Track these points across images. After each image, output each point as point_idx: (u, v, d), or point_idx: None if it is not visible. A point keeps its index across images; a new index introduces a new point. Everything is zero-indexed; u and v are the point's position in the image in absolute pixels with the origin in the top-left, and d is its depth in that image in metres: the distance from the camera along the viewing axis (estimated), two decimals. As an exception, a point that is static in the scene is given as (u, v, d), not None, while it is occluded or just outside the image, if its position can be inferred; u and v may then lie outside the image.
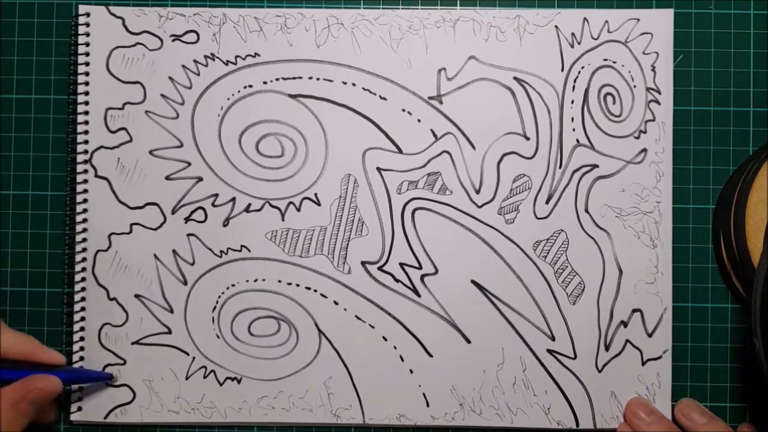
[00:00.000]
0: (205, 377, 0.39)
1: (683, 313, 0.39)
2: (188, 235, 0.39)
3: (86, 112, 0.39)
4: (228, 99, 0.39)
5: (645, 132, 0.39)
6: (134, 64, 0.39)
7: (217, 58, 0.39)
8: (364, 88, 0.39)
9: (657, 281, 0.39)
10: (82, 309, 0.39)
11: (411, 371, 0.39)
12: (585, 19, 0.39)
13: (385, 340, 0.39)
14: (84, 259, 0.39)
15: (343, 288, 0.39)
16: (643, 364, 0.39)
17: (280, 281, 0.39)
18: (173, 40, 0.39)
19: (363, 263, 0.39)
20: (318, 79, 0.39)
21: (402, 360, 0.39)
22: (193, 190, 0.39)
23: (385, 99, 0.39)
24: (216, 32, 0.39)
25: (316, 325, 0.39)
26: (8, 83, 0.40)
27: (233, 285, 0.39)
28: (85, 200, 0.39)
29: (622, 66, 0.39)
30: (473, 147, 0.39)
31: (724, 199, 0.39)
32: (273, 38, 0.39)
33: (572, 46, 0.39)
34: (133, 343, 0.39)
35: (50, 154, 0.40)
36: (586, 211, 0.39)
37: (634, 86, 0.39)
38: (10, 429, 0.34)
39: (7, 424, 0.33)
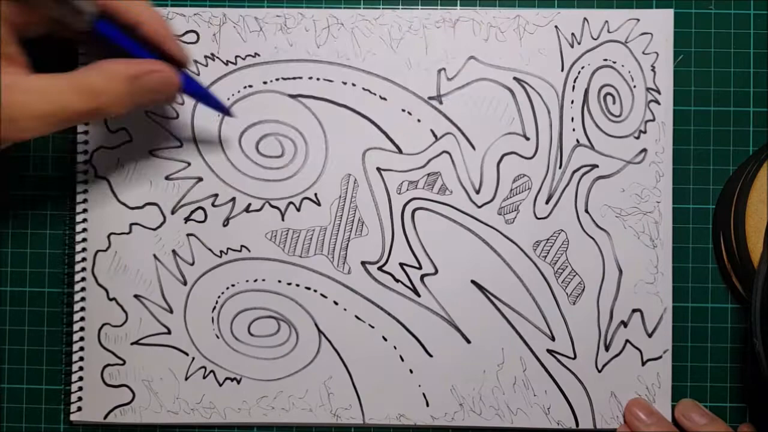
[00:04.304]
0: (204, 377, 0.39)
1: (683, 313, 0.39)
2: (188, 235, 0.39)
3: (86, 112, 0.39)
4: (228, 99, 0.39)
5: (645, 132, 0.39)
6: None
7: (217, 58, 0.39)
8: (364, 88, 0.39)
9: (657, 281, 0.39)
10: (82, 309, 0.39)
11: (411, 371, 0.39)
12: (585, 19, 0.39)
13: (385, 340, 0.39)
14: (84, 259, 0.39)
15: (343, 288, 0.39)
16: (643, 364, 0.39)
17: (279, 281, 0.39)
18: (173, 40, 0.39)
19: (363, 263, 0.39)
20: (318, 79, 0.39)
21: (402, 360, 0.39)
22: (193, 190, 0.39)
23: (385, 99, 0.39)
24: (216, 32, 0.39)
25: (316, 325, 0.39)
26: (8, 83, 0.40)
27: (233, 285, 0.39)
28: (85, 200, 0.39)
29: (622, 66, 0.39)
30: (473, 147, 0.39)
31: (724, 199, 0.39)
32: (273, 38, 0.39)
33: (572, 46, 0.39)
34: (132, 344, 0.39)
35: (50, 154, 0.40)
36: (586, 211, 0.39)
37: (634, 86, 0.39)
38: (120, 103, 0.32)
39: (117, 98, 0.31)
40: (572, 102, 0.39)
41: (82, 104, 0.31)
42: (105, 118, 0.31)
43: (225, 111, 0.37)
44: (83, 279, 0.39)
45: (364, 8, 0.39)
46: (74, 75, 0.31)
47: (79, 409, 0.39)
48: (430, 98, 0.39)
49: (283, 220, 0.39)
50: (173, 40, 0.34)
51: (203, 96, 0.36)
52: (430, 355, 0.39)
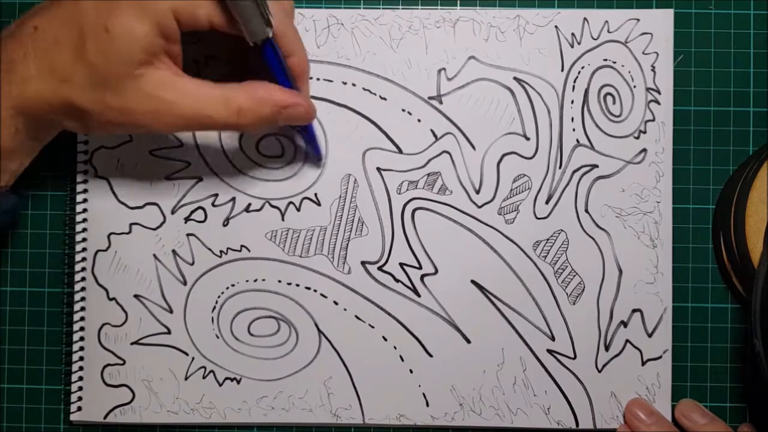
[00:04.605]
0: (204, 377, 0.39)
1: (683, 313, 0.39)
2: (188, 235, 0.39)
3: (86, 112, 0.39)
4: (228, 99, 0.39)
5: (645, 132, 0.39)
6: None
7: (218, 58, 0.39)
8: (364, 88, 0.39)
9: (657, 281, 0.39)
10: (82, 309, 0.39)
11: (411, 371, 0.39)
12: (585, 19, 0.39)
13: (385, 340, 0.39)
14: (84, 259, 0.39)
15: (343, 288, 0.39)
16: (643, 364, 0.39)
17: (279, 281, 0.39)
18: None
19: (363, 263, 0.39)
20: (318, 79, 0.39)
21: (402, 360, 0.39)
22: (192, 190, 0.39)
23: (385, 99, 0.39)
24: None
25: (316, 325, 0.39)
26: (8, 83, 0.40)
27: (233, 285, 0.39)
28: (85, 200, 0.39)
29: (622, 66, 0.39)
30: (473, 147, 0.39)
31: (724, 199, 0.39)
32: (273, 38, 0.39)
33: (572, 46, 0.39)
34: (132, 344, 0.39)
35: (50, 154, 0.40)
36: (586, 211, 0.39)
37: (634, 86, 0.39)
38: (259, 124, 0.33)
39: (259, 120, 0.33)
40: (572, 102, 0.39)
41: (225, 118, 0.33)
42: (239, 132, 0.33)
43: (318, 157, 0.39)
44: (83, 279, 0.39)
45: (364, 8, 0.39)
46: (226, 89, 0.33)
47: (79, 409, 0.39)
48: (430, 98, 0.39)
49: (283, 220, 0.39)
50: (308, 79, 0.37)
51: (311, 137, 0.38)
52: (430, 355, 0.39)
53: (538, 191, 0.39)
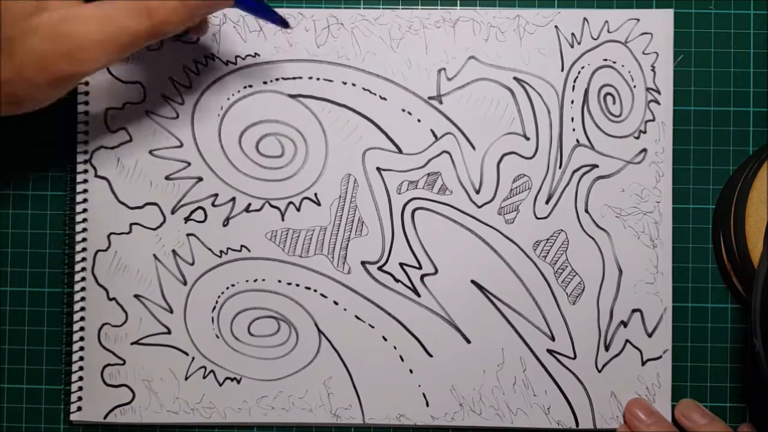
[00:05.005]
0: (204, 377, 0.39)
1: (683, 313, 0.39)
2: (188, 235, 0.39)
3: (86, 112, 0.39)
4: (228, 99, 0.39)
5: (645, 132, 0.39)
6: (134, 64, 0.39)
7: (217, 58, 0.39)
8: (364, 88, 0.39)
9: (657, 281, 0.39)
10: (82, 309, 0.39)
11: (411, 371, 0.39)
12: (585, 19, 0.39)
13: (385, 340, 0.39)
14: (84, 259, 0.39)
15: (343, 288, 0.39)
16: (643, 364, 0.39)
17: (279, 281, 0.39)
18: (173, 40, 0.39)
19: (363, 263, 0.39)
20: (318, 79, 0.39)
21: (402, 360, 0.39)
22: (192, 190, 0.39)
23: (385, 99, 0.39)
24: (216, 32, 0.39)
25: (316, 325, 0.39)
26: (8, 83, 0.40)
27: (233, 285, 0.39)
28: (85, 200, 0.39)
29: (622, 66, 0.39)
30: (473, 147, 0.39)
31: (724, 199, 0.39)
32: (273, 38, 0.39)
33: (572, 46, 0.39)
34: (132, 344, 0.39)
35: (50, 153, 0.40)
36: (586, 211, 0.39)
37: (634, 86, 0.39)
38: (176, 18, 0.31)
39: (173, 12, 0.31)
40: (572, 102, 0.39)
41: (139, 24, 0.31)
42: (164, 36, 0.31)
43: (283, 23, 0.37)
44: (83, 279, 0.39)
45: (364, 8, 0.39)
46: None
47: (79, 409, 0.39)
48: (430, 98, 0.39)
49: (283, 220, 0.39)
50: None
51: (255, 8, 0.35)
52: (430, 355, 0.39)
53: (538, 191, 0.39)
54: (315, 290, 0.39)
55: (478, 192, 0.39)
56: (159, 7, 0.31)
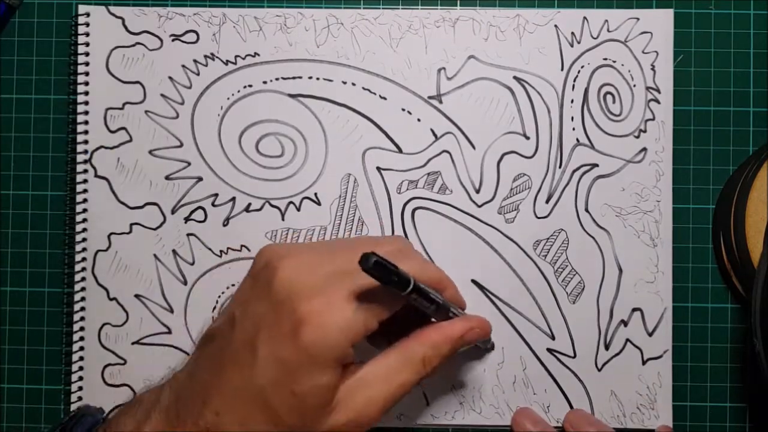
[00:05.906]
0: (205, 377, 0.39)
1: (683, 313, 0.39)
2: (188, 234, 0.39)
3: (86, 112, 0.39)
4: (228, 99, 0.39)
5: (645, 131, 0.39)
6: (134, 64, 0.39)
7: (217, 58, 0.39)
8: (364, 88, 0.39)
9: (657, 280, 0.39)
10: (82, 309, 0.39)
11: (411, 371, 0.39)
12: (585, 18, 0.39)
13: (385, 339, 0.39)
14: (84, 259, 0.39)
15: (343, 288, 0.39)
16: (644, 363, 0.39)
17: (280, 281, 0.39)
18: (173, 40, 0.39)
19: (363, 263, 0.39)
20: (318, 78, 0.39)
21: (402, 360, 0.39)
22: (193, 190, 0.39)
23: (385, 99, 0.39)
24: (216, 32, 0.39)
25: (316, 324, 0.39)
26: (8, 83, 0.40)
27: (233, 285, 0.39)
28: (85, 200, 0.39)
29: (622, 65, 0.39)
30: (473, 146, 0.39)
31: (724, 199, 0.39)
32: (273, 38, 0.39)
33: (572, 46, 0.39)
34: (133, 343, 0.39)
35: (50, 154, 0.40)
36: (586, 210, 0.39)
37: (634, 85, 0.39)
38: (445, 360, 0.32)
39: (444, 359, 0.32)
40: (572, 101, 0.39)
41: (416, 375, 0.31)
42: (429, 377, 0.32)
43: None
44: (83, 279, 0.39)
45: (364, 8, 0.39)
46: (400, 351, 0.31)
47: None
48: (430, 98, 0.39)
49: (283, 219, 0.39)
50: (460, 297, 0.35)
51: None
52: (430, 355, 0.39)
53: (538, 190, 0.39)
54: (315, 290, 0.39)
55: (478, 191, 0.39)
56: (433, 357, 0.31)
